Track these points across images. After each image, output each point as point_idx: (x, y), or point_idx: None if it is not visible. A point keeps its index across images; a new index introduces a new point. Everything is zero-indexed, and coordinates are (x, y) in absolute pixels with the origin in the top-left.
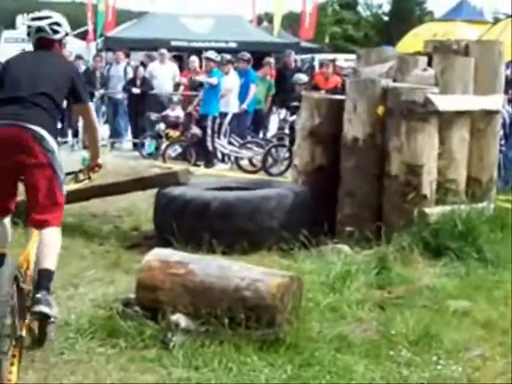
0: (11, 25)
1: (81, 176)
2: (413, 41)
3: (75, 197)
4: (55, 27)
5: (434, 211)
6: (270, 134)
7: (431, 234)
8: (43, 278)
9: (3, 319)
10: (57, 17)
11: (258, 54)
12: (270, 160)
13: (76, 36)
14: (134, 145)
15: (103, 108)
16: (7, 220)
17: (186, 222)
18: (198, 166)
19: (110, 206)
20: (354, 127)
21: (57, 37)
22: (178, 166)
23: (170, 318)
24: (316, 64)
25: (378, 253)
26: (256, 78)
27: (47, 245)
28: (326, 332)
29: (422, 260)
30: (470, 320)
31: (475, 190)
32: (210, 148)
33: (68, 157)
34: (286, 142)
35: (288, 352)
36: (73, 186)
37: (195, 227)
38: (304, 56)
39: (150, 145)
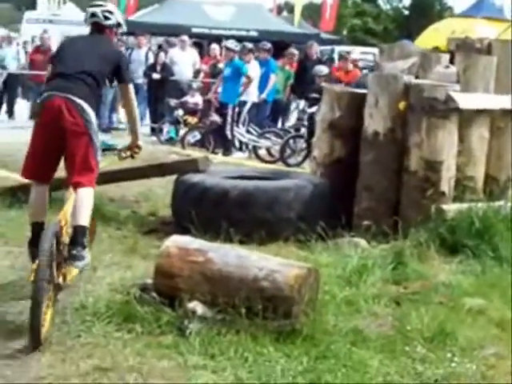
0: (32, 5)
1: (123, 154)
2: (432, 36)
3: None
4: (107, 14)
5: (451, 208)
6: (288, 125)
7: (448, 230)
8: (78, 234)
9: (44, 268)
10: (110, 6)
11: (279, 44)
12: (287, 150)
13: None
14: (152, 130)
15: None
16: (46, 188)
17: (204, 210)
18: (216, 153)
19: (127, 191)
20: (375, 121)
21: (108, 23)
22: (196, 153)
23: (187, 305)
24: (335, 56)
25: (394, 248)
26: (276, 67)
27: (80, 203)
28: (342, 325)
29: (438, 256)
30: (484, 318)
31: (493, 189)
32: (229, 136)
33: None
34: (304, 133)
35: (304, 344)
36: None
37: (213, 215)
38: (324, 47)
39: (169, 130)
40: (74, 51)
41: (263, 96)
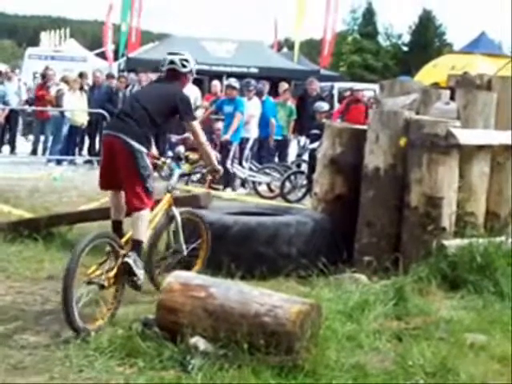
0: (34, 42)
1: (207, 178)
2: (431, 72)
3: (96, 216)
4: (184, 62)
5: (452, 244)
6: (289, 160)
7: (449, 266)
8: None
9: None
10: (187, 55)
11: (279, 80)
12: (288, 186)
13: (98, 55)
14: (154, 166)
15: None
16: (119, 193)
17: None
18: (216, 189)
19: (129, 226)
20: (376, 157)
21: (184, 70)
22: (197, 189)
23: (189, 340)
24: (335, 92)
25: (395, 283)
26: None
27: (134, 225)
28: (344, 361)
29: (439, 292)
30: (486, 354)
31: (493, 224)
32: (231, 171)
33: (85, 176)
34: (305, 169)
35: (306, 379)
36: None
37: (214, 250)
38: (323, 84)
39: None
40: (137, 95)
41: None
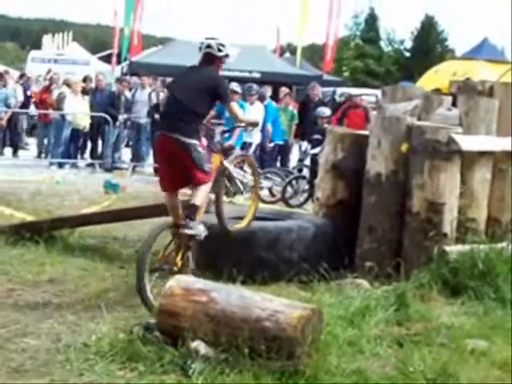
0: (37, 45)
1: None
2: (433, 77)
3: (98, 219)
4: (220, 47)
5: (453, 250)
6: (290, 165)
7: (450, 272)
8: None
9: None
10: (222, 40)
11: (281, 85)
12: (289, 191)
13: (100, 59)
14: (155, 169)
15: (125, 132)
16: (178, 195)
17: (206, 250)
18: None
19: (130, 231)
20: (378, 163)
21: (219, 54)
22: None
23: (190, 344)
24: (337, 97)
25: (396, 289)
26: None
27: (195, 193)
28: (345, 366)
29: (440, 298)
30: (487, 360)
31: (495, 230)
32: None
33: (87, 180)
34: (306, 173)
35: None
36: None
37: (216, 255)
38: (326, 89)
39: None
40: (176, 93)
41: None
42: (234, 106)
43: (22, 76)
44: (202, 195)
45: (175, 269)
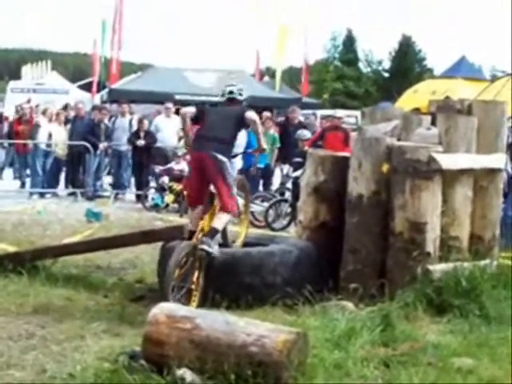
0: (16, 75)
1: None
2: (412, 97)
3: (81, 248)
4: (241, 92)
5: (437, 268)
6: (272, 189)
7: (435, 290)
8: (211, 231)
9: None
10: (241, 86)
11: (261, 109)
12: (272, 215)
13: (80, 87)
14: (138, 197)
15: (106, 160)
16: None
17: None
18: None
19: (114, 258)
20: (359, 184)
21: (241, 98)
22: (183, 220)
23: (176, 372)
24: (317, 120)
25: (382, 310)
26: None
27: (219, 218)
28: None
29: (425, 317)
30: (474, 378)
31: (478, 248)
32: None
33: (69, 209)
34: (289, 197)
35: None
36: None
37: None
38: (305, 111)
39: (154, 197)
40: (214, 119)
41: None
42: (256, 123)
43: None
44: (224, 221)
45: (193, 287)
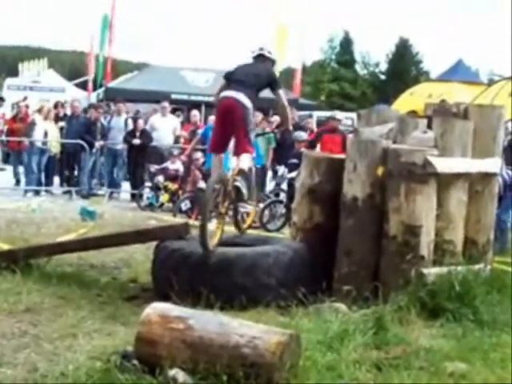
0: (13, 72)
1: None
2: (409, 100)
3: (75, 247)
4: (270, 51)
5: (431, 272)
6: (267, 190)
7: (428, 294)
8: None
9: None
10: (271, 48)
11: (257, 109)
12: (267, 216)
13: (76, 85)
14: (132, 196)
15: (102, 158)
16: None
17: (184, 276)
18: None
19: (107, 258)
20: (354, 187)
21: (270, 56)
22: (176, 219)
23: (168, 372)
24: (314, 121)
25: (375, 312)
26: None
27: (242, 160)
28: None
29: (418, 320)
30: (466, 382)
31: (472, 252)
32: None
33: (63, 207)
34: (284, 198)
35: None
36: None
37: (193, 281)
38: (302, 113)
39: (149, 196)
40: (243, 70)
41: None
42: (281, 95)
43: None
44: (248, 162)
45: (222, 211)
